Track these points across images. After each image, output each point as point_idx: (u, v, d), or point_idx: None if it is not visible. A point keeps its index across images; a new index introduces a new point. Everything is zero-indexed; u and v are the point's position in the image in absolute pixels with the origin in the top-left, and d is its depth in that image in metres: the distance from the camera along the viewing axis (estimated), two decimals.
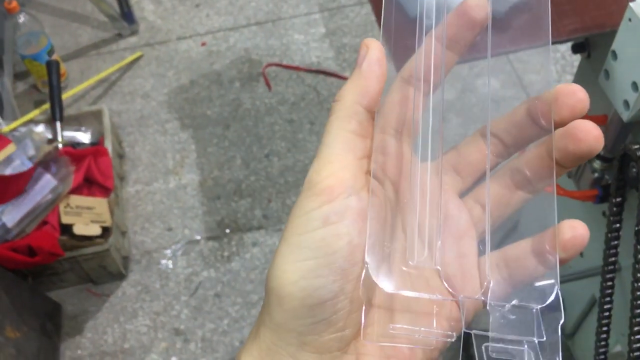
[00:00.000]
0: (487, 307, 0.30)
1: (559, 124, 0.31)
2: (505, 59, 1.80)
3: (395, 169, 0.31)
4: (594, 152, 0.29)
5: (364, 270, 0.28)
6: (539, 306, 0.29)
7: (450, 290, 0.30)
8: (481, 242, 0.32)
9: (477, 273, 0.31)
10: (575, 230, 0.29)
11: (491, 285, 0.30)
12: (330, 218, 0.27)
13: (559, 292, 0.29)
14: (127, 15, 1.91)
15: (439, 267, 0.29)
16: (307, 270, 0.27)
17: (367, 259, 0.28)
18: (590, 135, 0.29)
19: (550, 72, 0.34)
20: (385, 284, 0.28)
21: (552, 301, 0.29)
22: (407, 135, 0.32)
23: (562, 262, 0.30)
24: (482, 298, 0.30)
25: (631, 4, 0.68)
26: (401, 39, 0.84)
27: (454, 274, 0.30)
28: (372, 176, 0.29)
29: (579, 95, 0.30)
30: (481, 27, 0.31)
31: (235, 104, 1.74)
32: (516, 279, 0.30)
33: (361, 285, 0.28)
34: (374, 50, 0.30)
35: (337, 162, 0.28)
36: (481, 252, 0.32)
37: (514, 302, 0.29)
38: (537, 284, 0.30)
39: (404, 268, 0.30)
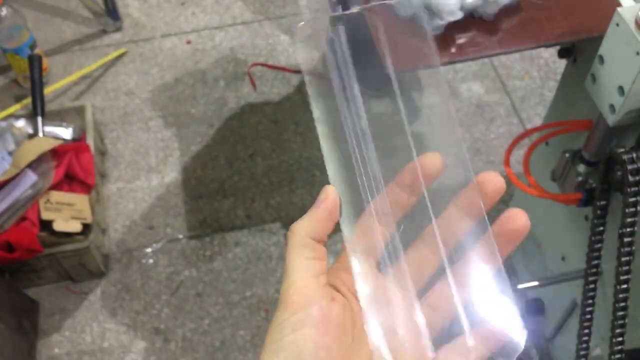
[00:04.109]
0: None
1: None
2: (490, 64, 1.81)
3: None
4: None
5: None
6: None
7: None
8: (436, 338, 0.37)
9: None
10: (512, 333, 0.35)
11: None
12: (296, 325, 0.34)
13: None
14: (111, 11, 1.89)
15: None
16: None
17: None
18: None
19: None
20: None
21: None
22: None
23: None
24: None
25: (619, 9, 0.68)
26: (388, 37, 0.84)
27: None
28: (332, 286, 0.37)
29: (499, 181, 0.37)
30: (432, 180, 0.38)
31: (219, 103, 1.74)
32: None
33: None
34: (330, 201, 0.37)
35: (300, 282, 0.35)
36: (435, 348, 0.37)
37: None
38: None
39: None
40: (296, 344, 0.33)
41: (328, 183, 0.39)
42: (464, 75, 1.78)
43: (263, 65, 1.81)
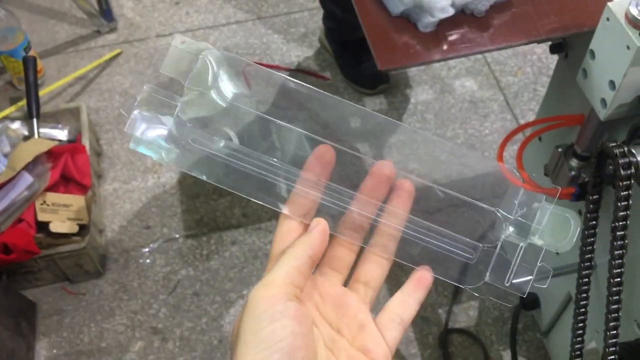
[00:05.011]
0: None
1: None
2: (483, 60, 1.82)
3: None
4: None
5: None
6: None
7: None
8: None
9: (379, 333, 0.42)
10: (421, 274, 0.43)
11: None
12: (275, 316, 0.36)
13: None
14: (105, 12, 1.89)
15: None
16: (262, 359, 0.35)
17: None
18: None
19: None
20: None
21: None
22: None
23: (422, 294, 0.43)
24: None
25: (609, 4, 0.69)
26: (384, 35, 0.84)
27: (363, 343, 0.41)
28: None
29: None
30: (332, 165, 0.42)
31: None
32: (406, 319, 0.42)
33: None
34: (322, 224, 0.41)
35: (279, 280, 0.38)
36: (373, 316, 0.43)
37: None
38: None
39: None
40: (276, 333, 0.36)
41: None
42: (457, 72, 1.78)
43: (257, 64, 1.80)
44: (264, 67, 0.47)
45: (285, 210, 0.43)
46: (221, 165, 0.43)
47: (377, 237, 0.44)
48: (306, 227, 0.42)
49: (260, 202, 0.43)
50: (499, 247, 0.42)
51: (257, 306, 0.37)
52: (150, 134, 0.42)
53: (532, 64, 1.79)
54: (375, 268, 0.44)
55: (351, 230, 0.44)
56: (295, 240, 0.41)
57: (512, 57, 1.81)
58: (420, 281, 0.43)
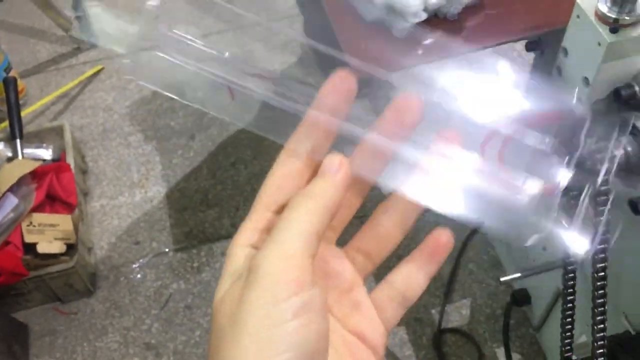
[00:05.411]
0: None
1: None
2: (463, 58, 1.82)
3: None
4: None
5: None
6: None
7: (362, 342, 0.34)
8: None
9: (376, 314, 0.34)
10: (438, 240, 0.35)
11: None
12: (299, 310, 0.28)
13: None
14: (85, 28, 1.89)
15: None
16: None
17: None
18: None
19: None
20: None
21: None
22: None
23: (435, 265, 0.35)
24: None
25: (578, 1, 0.69)
26: (355, 41, 0.84)
27: (357, 325, 0.34)
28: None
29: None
30: (353, 96, 0.33)
31: (199, 113, 1.73)
32: (410, 297, 0.35)
33: None
34: (345, 168, 0.31)
35: (300, 257, 0.29)
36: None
37: None
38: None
39: None
40: (299, 332, 0.28)
41: None
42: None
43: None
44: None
45: (289, 142, 0.33)
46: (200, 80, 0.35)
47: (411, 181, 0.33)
48: (315, 169, 0.32)
49: (241, 125, 0.36)
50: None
51: (277, 290, 0.28)
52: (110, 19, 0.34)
53: (513, 60, 1.80)
54: (382, 238, 0.35)
55: (368, 163, 0.33)
56: (310, 186, 0.31)
57: (492, 55, 1.82)
58: (436, 251, 0.34)
